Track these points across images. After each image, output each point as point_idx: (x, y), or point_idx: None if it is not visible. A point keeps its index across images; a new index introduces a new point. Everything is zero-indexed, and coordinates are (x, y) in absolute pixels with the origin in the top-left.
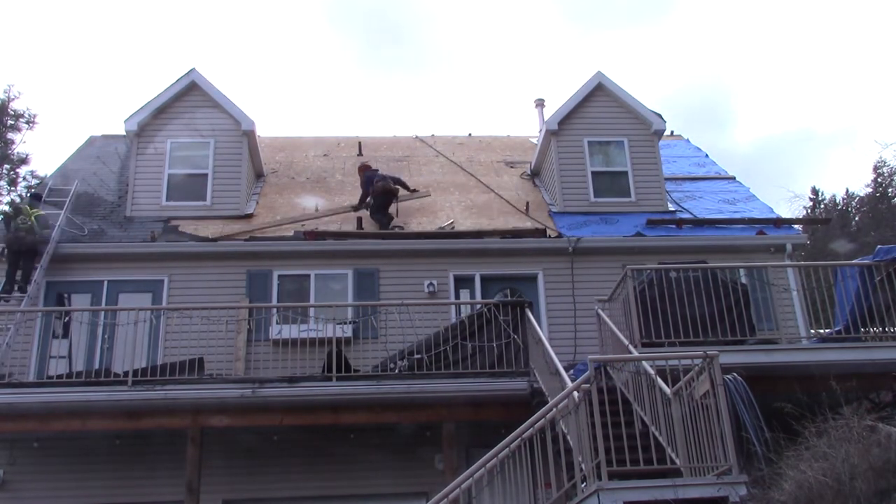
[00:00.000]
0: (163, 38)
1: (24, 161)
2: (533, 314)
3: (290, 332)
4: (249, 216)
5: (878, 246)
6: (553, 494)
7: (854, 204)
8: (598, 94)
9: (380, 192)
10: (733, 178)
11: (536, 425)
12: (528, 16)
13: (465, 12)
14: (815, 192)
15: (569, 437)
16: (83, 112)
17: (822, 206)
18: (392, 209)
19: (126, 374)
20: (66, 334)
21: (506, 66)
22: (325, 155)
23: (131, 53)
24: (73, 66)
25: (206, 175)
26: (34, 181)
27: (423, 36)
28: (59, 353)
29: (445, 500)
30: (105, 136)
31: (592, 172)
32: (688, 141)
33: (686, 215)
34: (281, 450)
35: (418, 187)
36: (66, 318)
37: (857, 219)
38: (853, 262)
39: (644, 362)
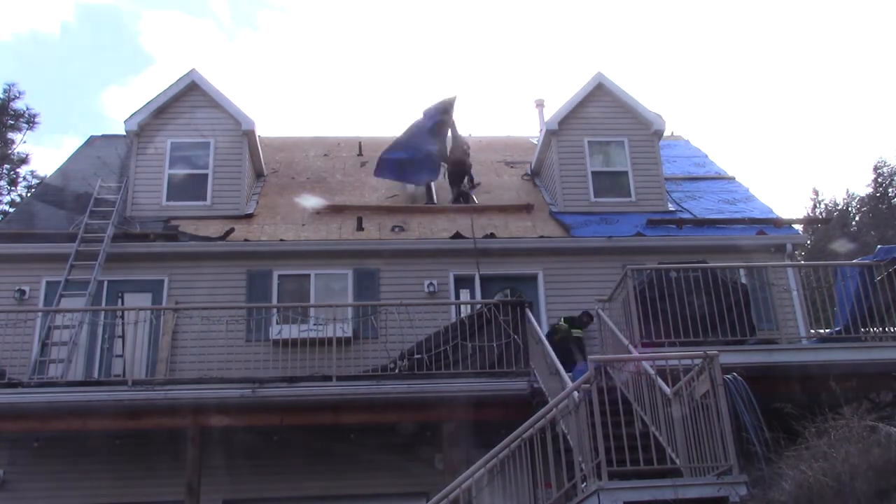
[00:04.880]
0: (163, 37)
1: (24, 161)
2: (533, 314)
3: (290, 332)
4: (250, 216)
5: (878, 246)
6: (553, 494)
7: (854, 204)
8: (599, 94)
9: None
10: (733, 179)
11: (536, 425)
12: (528, 16)
13: (466, 12)
14: (815, 192)
15: (569, 437)
16: (83, 112)
17: (822, 206)
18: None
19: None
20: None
21: (506, 66)
22: (325, 155)
23: (132, 53)
24: (74, 66)
25: (206, 175)
26: (34, 181)
27: (423, 36)
28: (58, 354)
29: (445, 500)
30: (105, 136)
31: (592, 172)
32: (688, 141)
33: (686, 215)
34: (281, 450)
35: (418, 188)
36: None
37: (857, 219)
38: (853, 262)
39: (644, 362)
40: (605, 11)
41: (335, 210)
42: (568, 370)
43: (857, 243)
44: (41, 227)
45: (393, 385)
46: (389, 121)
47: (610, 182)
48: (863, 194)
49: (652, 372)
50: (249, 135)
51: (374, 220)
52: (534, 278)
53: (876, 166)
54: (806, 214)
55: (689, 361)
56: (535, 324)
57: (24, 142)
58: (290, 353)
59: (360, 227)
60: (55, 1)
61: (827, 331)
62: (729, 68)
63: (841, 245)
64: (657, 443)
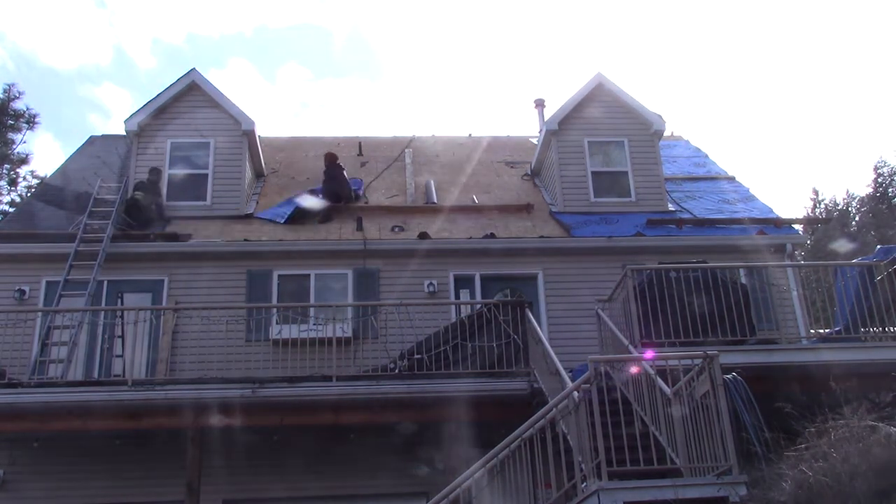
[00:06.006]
0: (163, 37)
1: (24, 161)
2: (533, 314)
3: (290, 332)
4: (250, 216)
5: (878, 246)
6: (553, 494)
7: (854, 204)
8: (599, 94)
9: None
10: (733, 179)
11: (536, 425)
12: (528, 16)
13: (466, 12)
14: (815, 192)
15: (569, 437)
16: (83, 112)
17: (822, 206)
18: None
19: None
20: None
21: (506, 66)
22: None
23: (132, 53)
24: (75, 66)
25: (206, 175)
26: (34, 181)
27: (423, 35)
28: (58, 354)
29: (445, 500)
30: (105, 136)
31: (592, 172)
32: (688, 141)
33: (686, 215)
34: (281, 450)
35: (418, 188)
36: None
37: (857, 219)
38: (853, 262)
39: (644, 362)
40: (605, 11)
41: (335, 210)
42: None
43: (857, 243)
44: (41, 227)
45: (393, 385)
46: (389, 121)
47: (610, 182)
48: (863, 194)
49: (652, 372)
50: (249, 135)
51: (374, 220)
52: (534, 278)
53: (876, 166)
54: (806, 214)
55: (689, 361)
56: (535, 324)
57: (24, 142)
58: (290, 353)
59: (359, 227)
60: None
61: (827, 331)
62: (729, 68)
63: (841, 245)
64: (657, 443)
